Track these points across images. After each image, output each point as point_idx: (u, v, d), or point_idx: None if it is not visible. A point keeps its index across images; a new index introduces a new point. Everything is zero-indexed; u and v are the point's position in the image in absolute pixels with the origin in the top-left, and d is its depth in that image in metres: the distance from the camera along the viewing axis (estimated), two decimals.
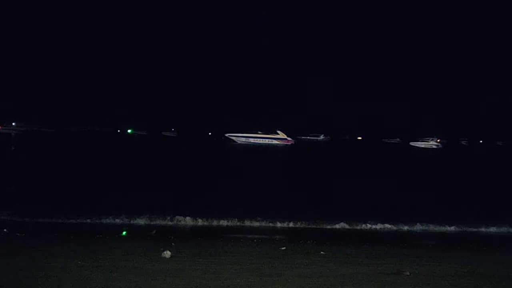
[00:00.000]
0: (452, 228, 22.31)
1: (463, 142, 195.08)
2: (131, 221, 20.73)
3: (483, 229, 22.22)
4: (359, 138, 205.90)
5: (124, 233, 18.94)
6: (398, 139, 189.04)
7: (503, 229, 22.13)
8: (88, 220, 20.74)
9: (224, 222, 21.36)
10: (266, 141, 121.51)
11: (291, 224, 21.41)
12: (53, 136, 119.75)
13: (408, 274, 10.90)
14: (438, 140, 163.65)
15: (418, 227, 22.15)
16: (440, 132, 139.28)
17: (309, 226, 21.35)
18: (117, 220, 20.76)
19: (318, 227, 21.39)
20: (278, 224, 21.41)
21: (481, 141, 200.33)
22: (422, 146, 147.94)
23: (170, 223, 21.00)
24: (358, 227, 21.64)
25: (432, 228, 22.22)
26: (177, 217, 21.32)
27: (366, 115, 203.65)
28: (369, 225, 21.80)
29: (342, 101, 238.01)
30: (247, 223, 21.48)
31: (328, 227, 21.47)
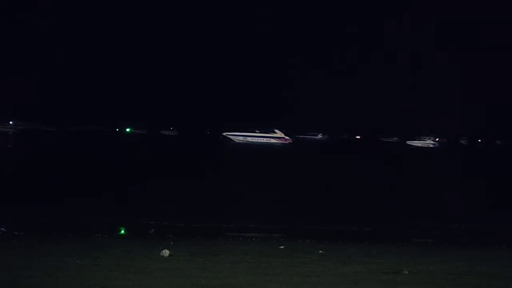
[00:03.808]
0: (451, 226, 22.29)
1: (463, 141, 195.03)
2: (130, 220, 20.71)
3: (482, 228, 22.19)
4: (358, 137, 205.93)
5: (122, 232, 18.93)
6: (396, 138, 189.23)
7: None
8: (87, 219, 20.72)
9: (222, 221, 21.35)
10: (264, 140, 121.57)
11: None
12: (51, 135, 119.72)
13: (407, 273, 10.90)
14: (437, 139, 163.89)
15: (417, 226, 22.13)
16: None
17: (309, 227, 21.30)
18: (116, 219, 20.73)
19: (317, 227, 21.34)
20: (277, 223, 21.39)
21: (479, 140, 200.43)
22: (419, 145, 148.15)
23: (168, 222, 20.98)
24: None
25: (431, 226, 22.19)
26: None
27: None
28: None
29: None
30: (246, 222, 21.47)
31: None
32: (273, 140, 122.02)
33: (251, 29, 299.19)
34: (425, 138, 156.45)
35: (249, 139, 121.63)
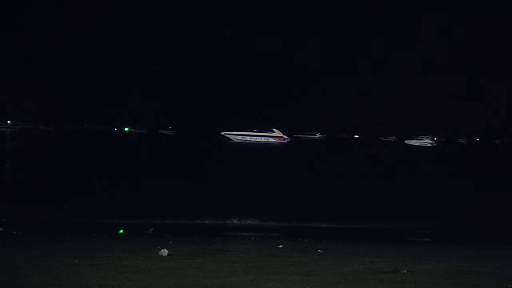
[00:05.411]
0: (449, 225, 22.30)
1: (461, 141, 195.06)
2: (128, 220, 20.70)
3: (481, 227, 22.21)
4: (356, 136, 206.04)
5: (121, 231, 18.92)
6: (394, 137, 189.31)
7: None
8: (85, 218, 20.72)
9: (221, 221, 21.34)
10: (262, 139, 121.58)
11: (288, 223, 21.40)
12: (49, 135, 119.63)
13: (405, 272, 10.91)
14: (435, 138, 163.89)
15: (415, 224, 22.14)
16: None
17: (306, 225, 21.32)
18: (115, 219, 20.73)
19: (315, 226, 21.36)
20: (276, 222, 21.39)
21: (478, 139, 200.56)
22: (417, 144, 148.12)
23: (167, 221, 20.98)
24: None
25: (429, 225, 22.20)
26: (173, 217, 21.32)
27: None
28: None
29: None
30: (244, 221, 21.46)
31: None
32: (271, 139, 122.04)
33: (250, 29, 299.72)
34: (423, 137, 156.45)
35: (247, 138, 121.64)
